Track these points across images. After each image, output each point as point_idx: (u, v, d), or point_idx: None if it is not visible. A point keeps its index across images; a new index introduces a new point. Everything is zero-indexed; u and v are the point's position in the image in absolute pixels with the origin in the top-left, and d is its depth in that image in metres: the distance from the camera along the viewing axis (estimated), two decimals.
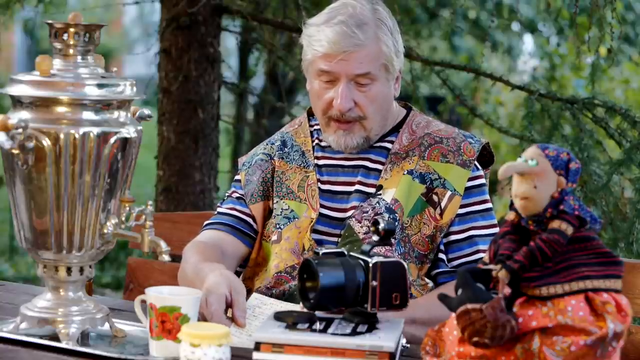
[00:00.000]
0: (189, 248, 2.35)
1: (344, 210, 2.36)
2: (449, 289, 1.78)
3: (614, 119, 3.87)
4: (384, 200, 2.32)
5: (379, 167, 2.38)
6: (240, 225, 2.41)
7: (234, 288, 2.05)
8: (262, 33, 4.77)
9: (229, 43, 7.65)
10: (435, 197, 2.33)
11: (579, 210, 1.63)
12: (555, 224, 1.63)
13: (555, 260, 1.63)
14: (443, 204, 2.33)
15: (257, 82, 7.68)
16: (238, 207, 2.43)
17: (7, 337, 1.98)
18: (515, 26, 9.06)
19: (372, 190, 2.35)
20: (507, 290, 1.63)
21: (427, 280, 2.32)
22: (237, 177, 2.49)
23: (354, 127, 2.34)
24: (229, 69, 5.14)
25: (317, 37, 2.32)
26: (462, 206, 2.34)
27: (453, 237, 2.34)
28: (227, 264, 2.29)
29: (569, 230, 1.62)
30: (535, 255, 1.62)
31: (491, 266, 1.66)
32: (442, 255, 2.34)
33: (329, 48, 2.29)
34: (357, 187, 2.37)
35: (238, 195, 2.46)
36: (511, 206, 1.69)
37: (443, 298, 1.68)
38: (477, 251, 2.32)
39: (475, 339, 1.62)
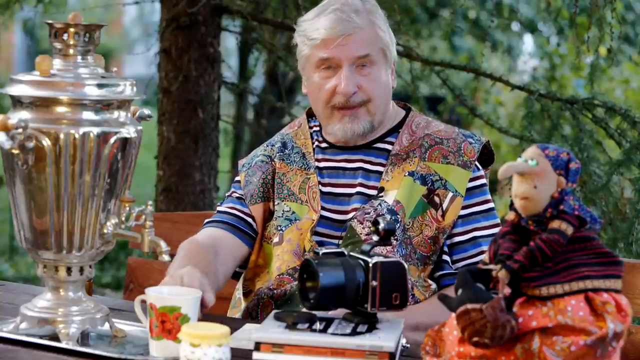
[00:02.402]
0: (182, 245, 2.33)
1: (345, 212, 2.35)
2: (452, 291, 1.78)
3: (614, 119, 3.87)
4: (385, 202, 2.31)
5: (380, 168, 2.38)
6: (240, 224, 2.41)
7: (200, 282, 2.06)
8: (262, 33, 4.77)
9: (229, 43, 7.65)
10: (436, 199, 2.33)
11: (579, 210, 1.63)
12: (555, 224, 1.63)
13: (555, 260, 1.63)
14: (445, 206, 2.32)
15: (257, 82, 7.69)
16: (238, 207, 2.43)
17: (7, 337, 1.98)
18: (515, 26, 9.06)
19: (373, 192, 2.35)
20: (507, 290, 1.63)
21: (430, 281, 2.32)
22: (237, 179, 2.49)
23: (359, 112, 2.34)
24: (229, 69, 5.14)
25: (313, 27, 2.33)
26: (464, 207, 2.34)
27: (457, 239, 2.34)
28: (223, 261, 2.30)
29: (569, 230, 1.62)
30: (535, 255, 1.62)
31: (491, 266, 1.66)
32: (446, 257, 2.33)
33: (327, 33, 2.31)
34: (359, 189, 2.36)
35: (238, 195, 2.45)
36: (511, 206, 1.69)
37: (443, 298, 1.68)
38: (481, 252, 2.31)
39: (475, 339, 1.62)
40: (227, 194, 2.49)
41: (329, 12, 2.33)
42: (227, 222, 2.41)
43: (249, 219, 2.42)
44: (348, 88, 2.31)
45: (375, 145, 2.41)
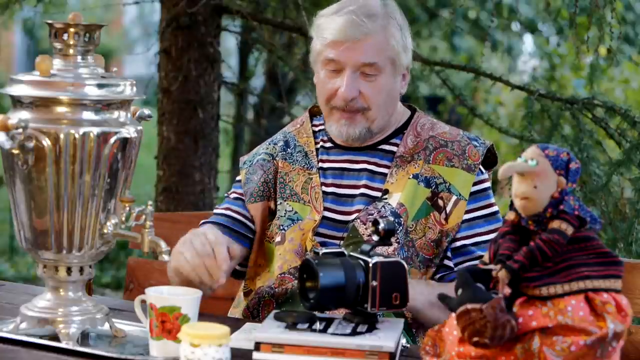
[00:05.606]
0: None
1: (348, 213, 2.35)
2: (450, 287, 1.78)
3: (614, 119, 3.87)
4: (389, 204, 2.31)
5: (385, 170, 2.37)
6: (235, 226, 2.40)
7: (216, 237, 2.12)
8: (262, 33, 4.77)
9: (229, 43, 7.64)
10: (440, 202, 2.32)
11: (579, 210, 1.63)
12: (555, 224, 1.63)
13: (555, 260, 1.63)
14: (448, 209, 2.32)
15: (257, 82, 7.68)
16: (233, 207, 2.43)
17: (7, 337, 1.98)
18: (515, 26, 9.07)
19: (377, 194, 2.34)
20: (507, 290, 1.63)
21: (432, 282, 2.31)
22: (237, 178, 2.49)
23: (357, 117, 2.34)
24: (229, 69, 5.13)
25: (327, 25, 2.33)
26: (468, 211, 2.33)
27: (459, 243, 2.33)
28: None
29: (569, 230, 1.62)
30: (535, 255, 1.62)
31: (491, 266, 1.66)
32: (448, 262, 2.32)
33: (337, 35, 2.30)
34: (363, 190, 2.36)
35: (236, 195, 2.45)
36: (511, 206, 1.69)
37: (443, 298, 1.68)
38: (482, 256, 2.31)
39: (475, 339, 1.62)
40: (225, 194, 2.49)
41: (344, 13, 2.31)
42: (220, 224, 2.40)
43: (244, 219, 2.41)
44: (347, 93, 2.30)
45: (380, 147, 2.40)
